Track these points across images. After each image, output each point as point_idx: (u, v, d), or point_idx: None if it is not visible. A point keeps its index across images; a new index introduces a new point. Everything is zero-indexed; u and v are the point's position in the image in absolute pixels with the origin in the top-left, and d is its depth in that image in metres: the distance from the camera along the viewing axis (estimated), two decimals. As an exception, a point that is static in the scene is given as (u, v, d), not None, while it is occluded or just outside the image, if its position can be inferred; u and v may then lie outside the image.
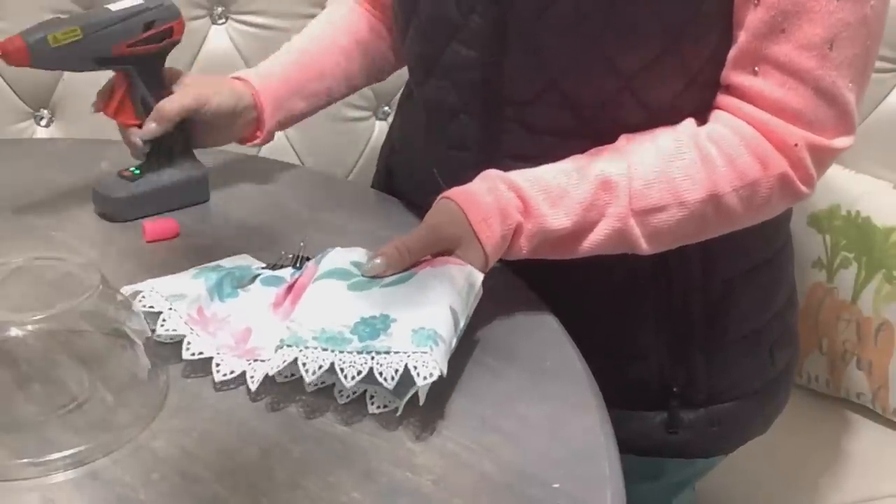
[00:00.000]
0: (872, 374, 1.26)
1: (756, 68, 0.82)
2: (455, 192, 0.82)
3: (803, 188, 0.85)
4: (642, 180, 0.82)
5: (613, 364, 0.89)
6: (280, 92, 1.05)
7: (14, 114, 1.43)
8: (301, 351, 0.69)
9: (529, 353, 0.80)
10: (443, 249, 0.80)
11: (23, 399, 0.68)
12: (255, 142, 1.05)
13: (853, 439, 1.27)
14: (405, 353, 0.68)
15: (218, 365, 0.73)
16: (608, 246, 0.83)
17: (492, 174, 0.84)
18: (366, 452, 0.68)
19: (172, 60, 0.99)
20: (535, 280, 0.88)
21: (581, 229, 0.82)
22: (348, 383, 0.68)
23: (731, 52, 0.84)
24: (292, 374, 0.73)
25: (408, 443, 0.69)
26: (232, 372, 0.73)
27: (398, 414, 0.70)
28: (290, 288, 0.80)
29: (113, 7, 0.93)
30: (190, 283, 0.79)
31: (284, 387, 0.73)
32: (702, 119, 0.86)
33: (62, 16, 0.94)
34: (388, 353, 0.68)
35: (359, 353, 0.69)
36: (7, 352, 0.68)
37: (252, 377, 0.72)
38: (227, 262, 0.85)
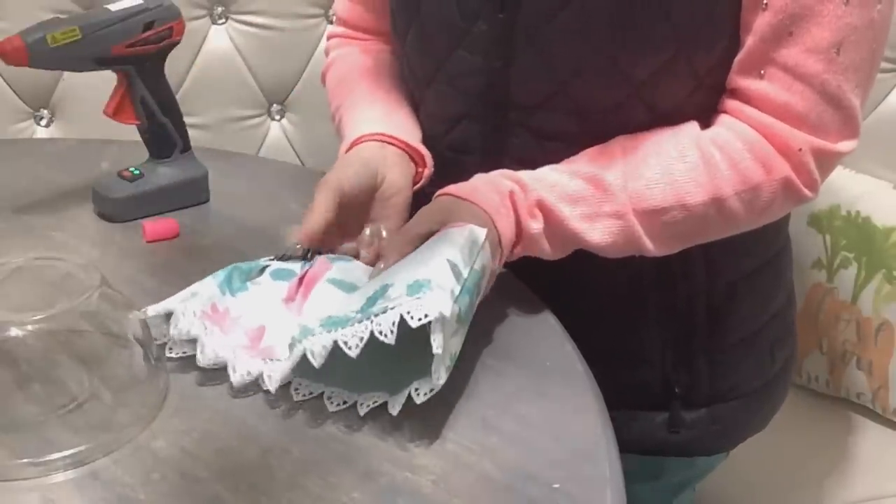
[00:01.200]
0: (872, 374, 1.26)
1: (762, 71, 0.82)
2: (443, 189, 0.83)
3: (807, 192, 0.85)
4: (643, 180, 0.81)
5: (617, 366, 0.89)
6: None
7: (14, 114, 1.43)
8: (308, 339, 0.69)
9: (530, 353, 0.80)
10: (437, 224, 0.79)
11: (23, 399, 0.68)
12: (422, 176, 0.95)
13: (853, 439, 1.27)
14: (399, 304, 0.67)
15: (234, 367, 0.72)
16: (615, 246, 0.83)
17: (483, 173, 0.85)
18: (366, 452, 0.67)
19: (172, 60, 0.99)
20: (541, 282, 0.88)
21: (579, 217, 0.81)
22: (353, 353, 0.67)
23: (738, 56, 0.83)
24: (311, 393, 0.72)
25: (408, 443, 0.68)
26: (249, 373, 0.72)
27: (426, 396, 0.68)
28: (301, 280, 0.80)
29: (112, 7, 0.93)
30: (202, 284, 0.78)
31: (286, 387, 0.73)
32: (705, 122, 0.86)
33: (62, 16, 0.94)
34: (384, 312, 0.67)
35: (359, 322, 0.68)
36: (7, 352, 0.67)
37: (270, 376, 0.72)
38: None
